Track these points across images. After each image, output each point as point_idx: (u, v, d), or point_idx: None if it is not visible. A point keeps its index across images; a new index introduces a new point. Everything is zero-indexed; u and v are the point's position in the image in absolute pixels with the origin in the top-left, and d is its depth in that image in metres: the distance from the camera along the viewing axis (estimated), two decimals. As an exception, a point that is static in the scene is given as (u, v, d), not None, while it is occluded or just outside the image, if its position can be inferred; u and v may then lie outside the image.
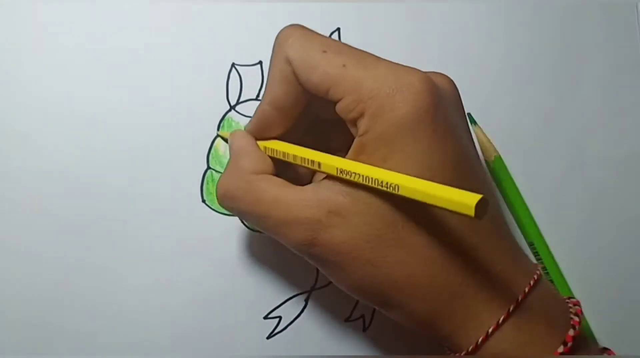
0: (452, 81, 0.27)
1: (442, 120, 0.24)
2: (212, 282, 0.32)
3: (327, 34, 0.34)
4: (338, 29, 0.34)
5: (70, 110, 0.32)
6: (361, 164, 0.24)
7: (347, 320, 0.33)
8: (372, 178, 0.23)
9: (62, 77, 0.32)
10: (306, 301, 0.33)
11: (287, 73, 0.26)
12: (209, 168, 0.33)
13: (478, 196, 0.20)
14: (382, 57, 0.26)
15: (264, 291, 0.33)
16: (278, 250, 0.33)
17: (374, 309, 0.33)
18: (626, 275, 0.35)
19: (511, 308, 0.24)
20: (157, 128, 0.33)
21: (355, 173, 0.24)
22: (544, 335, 0.24)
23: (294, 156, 0.27)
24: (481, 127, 0.35)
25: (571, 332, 0.24)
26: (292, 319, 0.33)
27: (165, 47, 0.33)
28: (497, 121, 0.35)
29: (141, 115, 0.33)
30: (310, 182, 0.31)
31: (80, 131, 0.32)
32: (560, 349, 0.24)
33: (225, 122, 0.33)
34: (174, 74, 0.33)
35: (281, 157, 0.28)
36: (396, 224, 0.24)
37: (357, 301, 0.33)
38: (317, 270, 0.33)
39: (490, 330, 0.24)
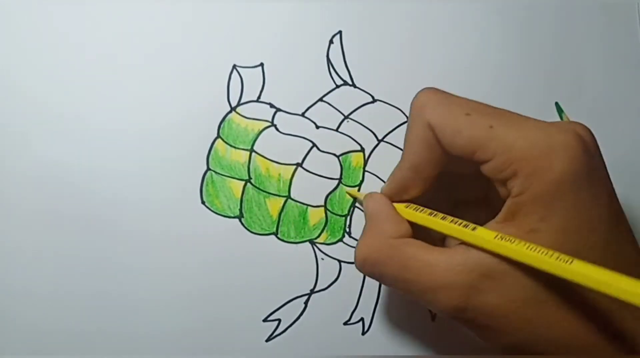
0: (591, 132, 0.27)
1: (596, 175, 0.24)
2: (211, 284, 0.32)
3: (329, 37, 0.34)
4: (340, 32, 0.34)
5: (70, 111, 0.32)
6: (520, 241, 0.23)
7: (346, 323, 0.33)
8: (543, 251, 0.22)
9: (62, 78, 0.32)
10: (305, 304, 0.33)
11: (429, 138, 0.26)
12: (208, 169, 0.33)
13: None
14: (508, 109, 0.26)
15: (263, 294, 0.33)
16: (278, 253, 0.33)
17: (373, 312, 0.34)
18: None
19: None
20: (157, 129, 0.32)
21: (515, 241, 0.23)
22: None
23: (442, 226, 0.26)
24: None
25: None
26: (291, 322, 0.33)
27: (165, 48, 0.33)
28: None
29: (141, 116, 0.32)
30: (442, 242, 0.30)
31: (80, 131, 0.32)
32: None
33: (225, 123, 0.33)
34: (175, 75, 0.33)
35: (429, 225, 0.27)
36: (550, 284, 0.24)
37: (357, 305, 0.33)
38: (317, 272, 0.33)
39: None
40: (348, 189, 0.33)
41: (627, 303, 0.20)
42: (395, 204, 0.29)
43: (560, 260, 0.22)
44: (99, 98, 0.32)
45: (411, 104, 0.27)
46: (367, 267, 0.27)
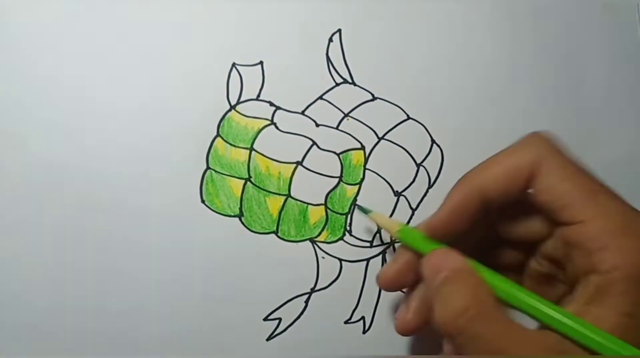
0: None
1: None
2: (212, 283, 0.32)
3: (328, 35, 0.34)
4: (339, 30, 0.34)
5: (70, 110, 0.32)
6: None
7: (347, 322, 0.33)
8: None
9: (61, 78, 0.32)
10: (306, 303, 0.33)
11: (523, 170, 0.25)
12: (208, 168, 0.33)
13: None
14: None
15: (263, 293, 0.33)
16: (278, 251, 0.33)
17: (374, 311, 0.33)
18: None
19: None
20: (157, 128, 0.32)
21: None
22: None
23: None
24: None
25: None
26: (292, 321, 0.33)
27: (165, 48, 0.33)
28: (496, 121, 0.35)
29: (141, 114, 0.32)
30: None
31: (80, 130, 0.32)
32: None
33: (225, 122, 0.33)
34: (174, 73, 0.33)
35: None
36: None
37: (358, 304, 0.33)
38: (317, 270, 0.33)
39: None
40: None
41: None
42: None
43: None
44: (99, 98, 0.32)
45: (527, 135, 0.26)
46: (462, 321, 0.23)
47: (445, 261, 0.26)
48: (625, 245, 0.22)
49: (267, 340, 0.33)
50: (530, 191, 0.26)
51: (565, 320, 0.23)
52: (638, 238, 0.22)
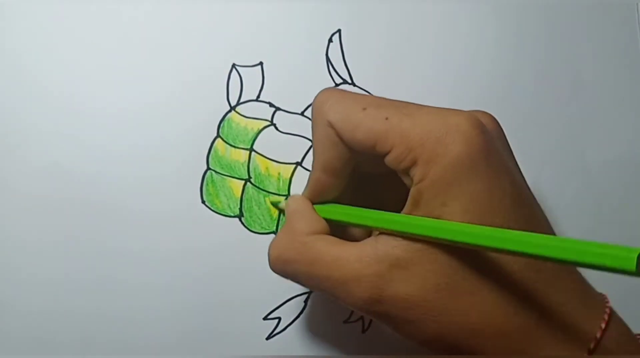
0: (495, 118, 0.27)
1: (494, 157, 0.24)
2: (212, 283, 0.32)
3: (328, 35, 0.34)
4: (339, 30, 0.34)
5: (70, 110, 0.32)
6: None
7: (346, 321, 0.33)
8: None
9: (62, 77, 0.32)
10: (305, 302, 0.33)
11: (332, 136, 0.26)
12: (208, 168, 0.33)
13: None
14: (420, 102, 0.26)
15: (263, 292, 0.33)
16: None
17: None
18: (627, 278, 0.35)
19: (592, 347, 0.23)
20: (156, 128, 0.32)
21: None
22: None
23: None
24: None
25: None
26: (291, 320, 0.33)
27: (165, 48, 0.33)
28: (497, 122, 0.35)
29: (141, 115, 0.32)
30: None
31: (80, 131, 0.32)
32: None
33: (225, 123, 0.33)
34: (174, 74, 0.33)
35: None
36: (463, 270, 0.23)
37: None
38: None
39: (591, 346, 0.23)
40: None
41: (541, 262, 0.20)
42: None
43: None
44: (99, 98, 0.32)
45: (312, 105, 0.27)
46: (278, 266, 0.27)
47: (286, 210, 0.29)
48: (428, 156, 0.24)
49: (267, 339, 0.33)
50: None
51: (389, 217, 0.25)
52: (434, 146, 0.23)
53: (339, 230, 0.28)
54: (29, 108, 0.32)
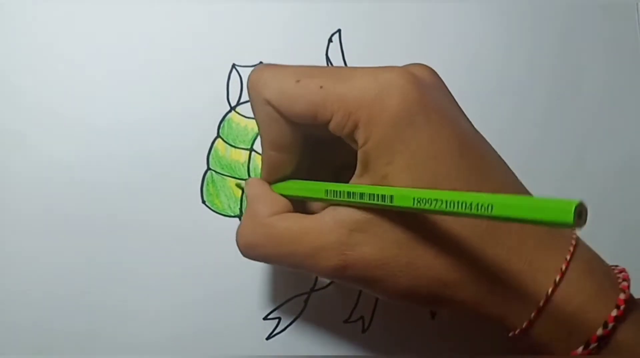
0: (431, 69, 0.27)
1: (432, 107, 0.24)
2: (212, 283, 0.32)
3: (328, 35, 0.34)
4: (339, 30, 0.34)
5: (70, 111, 0.32)
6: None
7: (346, 321, 0.33)
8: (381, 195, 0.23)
9: (62, 78, 0.32)
10: (305, 302, 0.33)
11: (272, 114, 0.26)
12: (209, 168, 0.33)
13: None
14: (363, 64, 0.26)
15: (263, 292, 0.33)
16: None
17: (373, 311, 0.34)
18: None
19: (563, 268, 0.24)
20: (157, 129, 0.33)
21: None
22: (594, 299, 0.24)
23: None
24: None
25: (622, 296, 0.24)
26: (291, 320, 0.33)
27: (165, 48, 0.33)
28: (496, 121, 0.35)
29: (141, 116, 0.32)
30: None
31: (80, 131, 0.32)
32: (614, 313, 0.23)
33: (225, 123, 0.33)
34: (175, 74, 0.33)
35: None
36: (421, 223, 0.24)
37: (357, 303, 0.33)
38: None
39: (549, 291, 0.24)
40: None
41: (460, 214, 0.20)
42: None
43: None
44: (99, 99, 0.32)
45: (247, 84, 0.27)
46: (249, 252, 0.27)
47: (246, 195, 0.29)
48: (367, 116, 0.24)
49: (267, 339, 0.33)
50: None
51: (337, 187, 0.25)
52: (371, 106, 0.24)
53: (300, 205, 0.28)
54: (29, 108, 0.32)
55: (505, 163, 0.27)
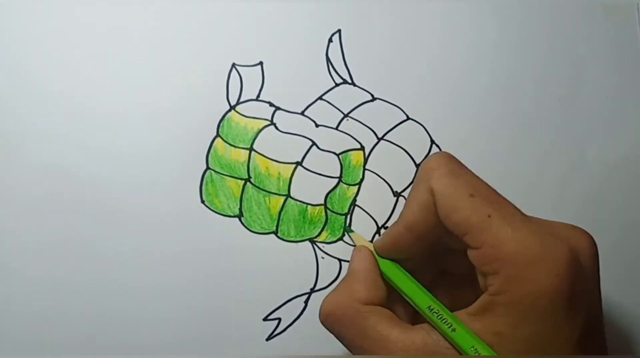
0: (591, 239, 0.26)
1: (579, 293, 0.24)
2: (211, 283, 0.32)
3: (328, 35, 0.34)
4: (339, 30, 0.34)
5: (70, 110, 0.32)
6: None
7: (346, 321, 0.33)
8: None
9: (62, 76, 0.32)
10: (306, 303, 0.33)
11: (429, 203, 0.26)
12: (208, 168, 0.33)
13: None
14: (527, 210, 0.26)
15: (263, 293, 0.33)
16: (278, 251, 0.33)
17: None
18: (627, 279, 0.35)
19: None
20: (156, 128, 0.32)
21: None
22: None
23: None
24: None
25: None
26: (291, 321, 0.33)
27: (165, 47, 0.33)
28: (496, 122, 0.35)
29: (141, 114, 0.32)
30: (412, 316, 0.30)
31: (80, 130, 0.32)
32: None
33: (225, 122, 0.33)
34: (174, 73, 0.33)
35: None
36: None
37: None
38: (317, 271, 0.33)
39: None
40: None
41: None
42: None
43: None
44: (99, 97, 0.32)
45: (422, 164, 0.27)
46: (328, 323, 0.28)
47: (351, 260, 0.29)
48: (514, 274, 0.23)
49: (267, 340, 0.33)
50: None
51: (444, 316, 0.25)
52: (523, 267, 0.23)
53: (391, 296, 0.28)
54: (29, 108, 0.32)
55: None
